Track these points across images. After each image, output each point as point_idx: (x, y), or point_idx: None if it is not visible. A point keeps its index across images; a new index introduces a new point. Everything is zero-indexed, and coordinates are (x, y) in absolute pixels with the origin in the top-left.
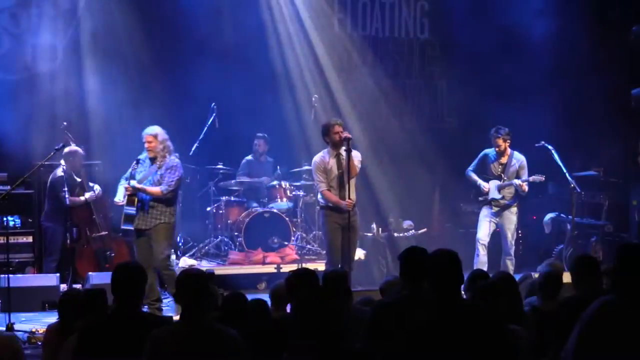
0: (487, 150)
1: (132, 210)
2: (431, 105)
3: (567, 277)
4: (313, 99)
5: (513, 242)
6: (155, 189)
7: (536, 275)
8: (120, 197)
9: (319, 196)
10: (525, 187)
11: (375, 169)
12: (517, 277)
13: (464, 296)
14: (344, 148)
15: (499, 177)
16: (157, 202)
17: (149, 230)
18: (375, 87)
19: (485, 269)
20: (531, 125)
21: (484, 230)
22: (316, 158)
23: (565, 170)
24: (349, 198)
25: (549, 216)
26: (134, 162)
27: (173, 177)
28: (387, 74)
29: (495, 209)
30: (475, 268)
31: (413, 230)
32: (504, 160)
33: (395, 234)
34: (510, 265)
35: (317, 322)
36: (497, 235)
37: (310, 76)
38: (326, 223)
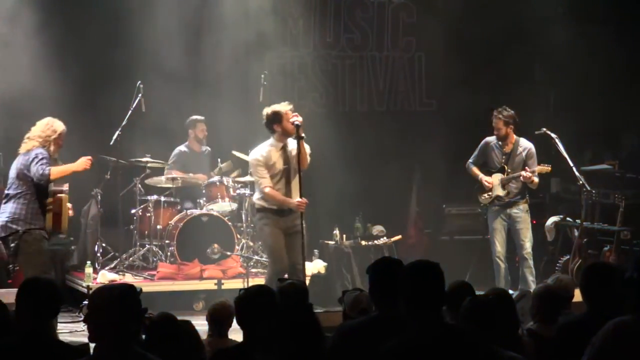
0: (488, 138)
1: None
2: (407, 85)
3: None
4: (262, 76)
5: (529, 247)
6: None
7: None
8: None
9: (257, 196)
10: (535, 179)
11: (336, 163)
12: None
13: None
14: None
15: (502, 170)
16: None
17: None
18: (338, 62)
19: (506, 286)
20: (531, 109)
21: (499, 240)
22: (257, 152)
23: (572, 164)
24: (300, 197)
25: (551, 220)
26: None
27: None
28: (352, 46)
29: (501, 207)
30: (497, 287)
31: (385, 238)
32: (507, 149)
33: (363, 242)
34: (529, 276)
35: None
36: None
37: (257, 50)
38: (265, 226)
